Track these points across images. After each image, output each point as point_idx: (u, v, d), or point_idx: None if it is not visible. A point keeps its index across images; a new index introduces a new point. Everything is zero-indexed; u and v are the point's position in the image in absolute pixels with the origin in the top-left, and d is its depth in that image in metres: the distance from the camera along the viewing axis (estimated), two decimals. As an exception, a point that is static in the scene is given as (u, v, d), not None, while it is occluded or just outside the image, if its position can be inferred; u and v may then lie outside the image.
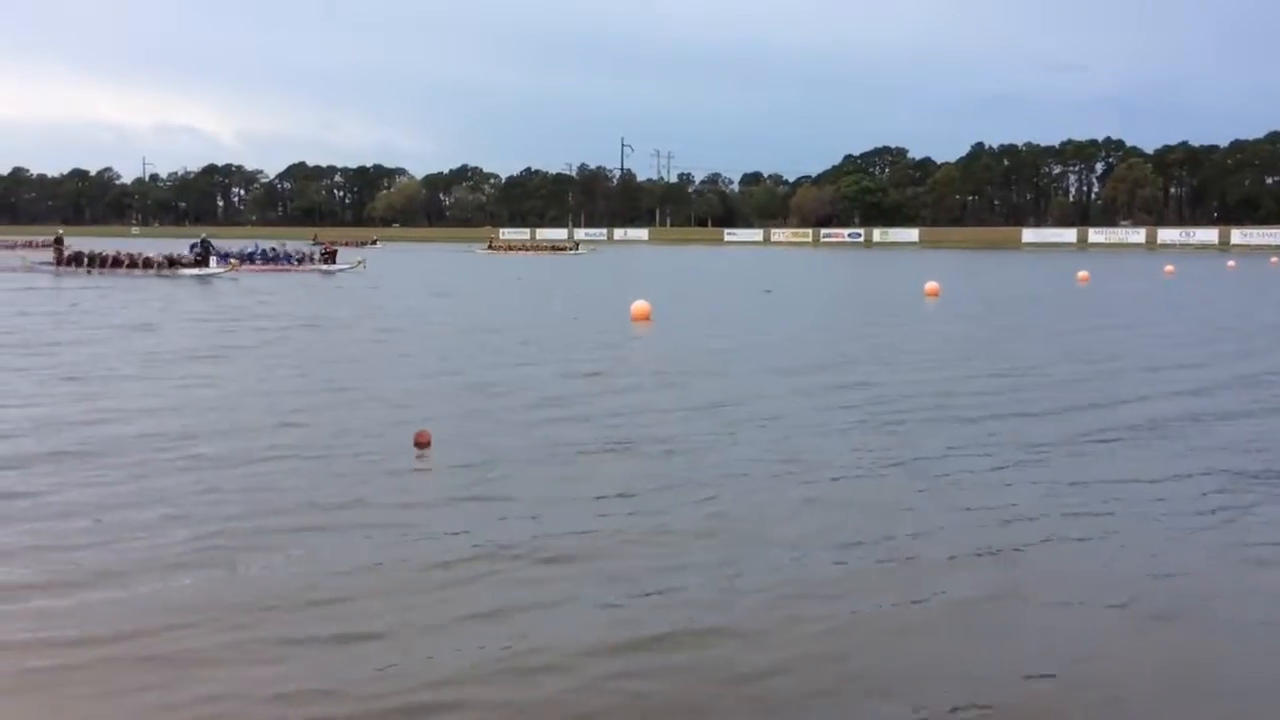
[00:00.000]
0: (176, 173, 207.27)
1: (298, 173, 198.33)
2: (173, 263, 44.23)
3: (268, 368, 16.45)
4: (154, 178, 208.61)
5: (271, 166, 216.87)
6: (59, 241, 50.11)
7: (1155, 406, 13.18)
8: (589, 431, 11.35)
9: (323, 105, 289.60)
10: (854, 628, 6.02)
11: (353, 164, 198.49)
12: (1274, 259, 74.62)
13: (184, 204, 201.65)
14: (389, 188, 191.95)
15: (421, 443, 10.51)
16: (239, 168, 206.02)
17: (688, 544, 7.45)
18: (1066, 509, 8.36)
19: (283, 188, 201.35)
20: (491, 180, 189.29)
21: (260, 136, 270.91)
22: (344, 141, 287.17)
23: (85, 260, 46.13)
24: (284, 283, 41.24)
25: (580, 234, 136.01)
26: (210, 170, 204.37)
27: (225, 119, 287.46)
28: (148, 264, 44.43)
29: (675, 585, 6.60)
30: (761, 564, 7.04)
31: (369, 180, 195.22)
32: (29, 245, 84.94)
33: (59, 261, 47.04)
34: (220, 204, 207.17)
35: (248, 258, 51.20)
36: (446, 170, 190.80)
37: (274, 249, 55.90)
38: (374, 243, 64.06)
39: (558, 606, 6.26)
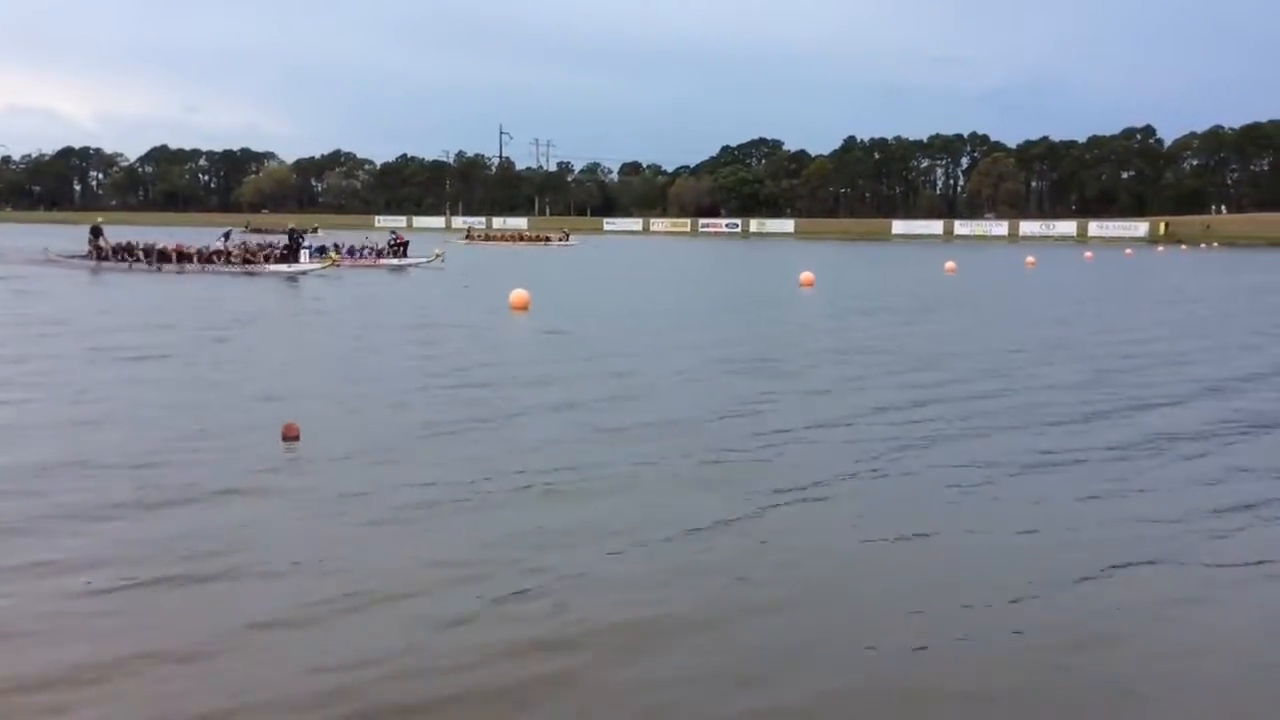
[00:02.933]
0: (30, 155, 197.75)
1: (160, 156, 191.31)
2: (255, 256, 38.67)
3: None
4: (7, 160, 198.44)
5: (133, 150, 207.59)
6: (96, 231, 41.72)
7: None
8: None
9: (187, 86, 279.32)
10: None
11: (218, 147, 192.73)
12: (1128, 250, 78.34)
13: (39, 188, 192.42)
14: (257, 172, 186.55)
15: (289, 435, 10.24)
16: (97, 151, 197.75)
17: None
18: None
19: (144, 171, 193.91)
20: (366, 166, 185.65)
21: (121, 119, 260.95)
22: (209, 124, 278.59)
23: (141, 254, 39.37)
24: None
25: (458, 221, 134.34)
26: (67, 153, 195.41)
27: (83, 100, 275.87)
28: (215, 257, 38.73)
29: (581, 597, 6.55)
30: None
31: (236, 164, 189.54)
32: None
33: (98, 255, 40.39)
34: (78, 188, 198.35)
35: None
36: (319, 155, 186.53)
37: (337, 244, 50.59)
38: (315, 230, 61.30)
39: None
